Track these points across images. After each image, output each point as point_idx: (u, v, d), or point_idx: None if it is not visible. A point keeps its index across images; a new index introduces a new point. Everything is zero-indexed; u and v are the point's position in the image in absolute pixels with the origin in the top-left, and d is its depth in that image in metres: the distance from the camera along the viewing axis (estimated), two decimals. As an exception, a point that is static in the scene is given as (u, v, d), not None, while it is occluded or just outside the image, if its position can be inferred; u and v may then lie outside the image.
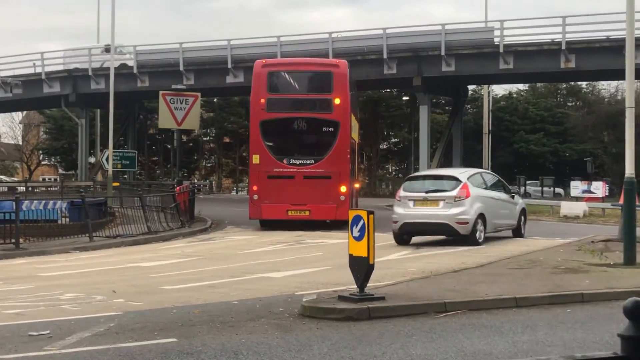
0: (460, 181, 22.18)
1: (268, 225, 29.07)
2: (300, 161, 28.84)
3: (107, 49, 49.37)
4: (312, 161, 28.84)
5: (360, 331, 10.45)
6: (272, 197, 28.16)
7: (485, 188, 23.36)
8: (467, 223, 21.49)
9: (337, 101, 28.69)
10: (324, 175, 28.10)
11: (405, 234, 22.38)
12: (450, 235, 22.14)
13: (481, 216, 21.97)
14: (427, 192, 22.50)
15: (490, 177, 25.24)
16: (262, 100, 29.05)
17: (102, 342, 9.63)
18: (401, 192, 22.89)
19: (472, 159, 63.69)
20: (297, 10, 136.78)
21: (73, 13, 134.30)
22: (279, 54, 51.71)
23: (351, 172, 29.77)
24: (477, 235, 21.78)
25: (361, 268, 11.86)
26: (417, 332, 10.36)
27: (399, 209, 22.29)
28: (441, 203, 21.87)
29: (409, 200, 22.28)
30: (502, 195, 24.17)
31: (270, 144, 29.30)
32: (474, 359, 8.89)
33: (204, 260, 19.13)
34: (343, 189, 27.93)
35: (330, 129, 29.14)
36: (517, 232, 24.87)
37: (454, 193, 21.87)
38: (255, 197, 28.53)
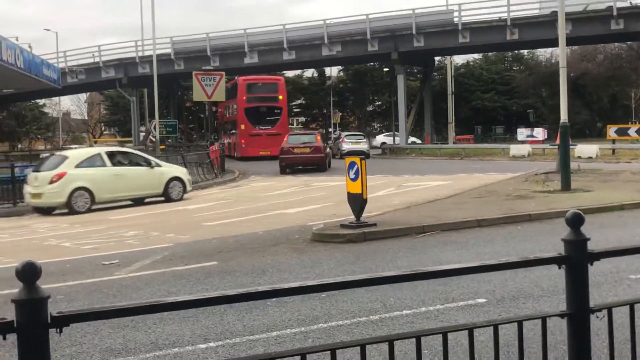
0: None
1: (250, 160, 39.55)
2: (264, 127, 42.34)
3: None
4: (270, 127, 42.38)
5: (359, 250, 10.51)
6: (251, 145, 41.67)
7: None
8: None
9: (280, 97, 43.68)
10: (276, 133, 39.52)
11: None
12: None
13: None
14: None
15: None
16: (244, 97, 43.12)
17: (160, 267, 9.69)
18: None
19: (439, 115, 63.37)
20: (306, 4, 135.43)
21: (126, 14, 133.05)
22: (285, 39, 51.19)
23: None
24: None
25: (357, 202, 11.90)
26: (402, 249, 10.42)
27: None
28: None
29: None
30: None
31: (249, 118, 42.73)
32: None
33: (234, 202, 19.17)
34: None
35: (277, 111, 43.32)
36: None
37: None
38: (243, 145, 42.29)
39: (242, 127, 42.44)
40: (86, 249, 11.87)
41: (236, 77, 45.64)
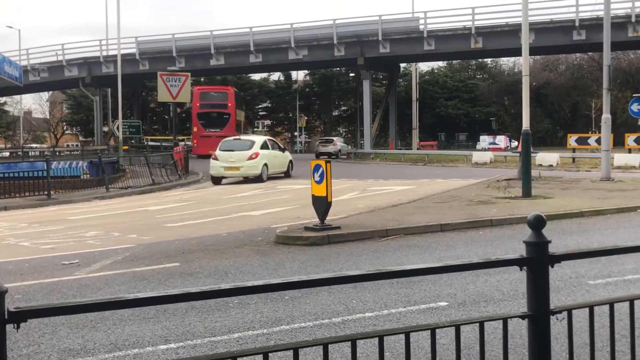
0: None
1: (203, 158, 39.83)
2: (214, 130, 46.30)
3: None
4: (219, 129, 45.91)
5: (322, 253, 10.50)
6: (203, 145, 44.27)
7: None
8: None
9: (229, 104, 48.82)
10: (224, 135, 38.83)
11: None
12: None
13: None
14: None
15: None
16: (197, 104, 48.57)
17: (120, 268, 9.56)
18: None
19: (403, 121, 63.80)
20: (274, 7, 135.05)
21: (93, 14, 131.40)
22: (252, 42, 51.07)
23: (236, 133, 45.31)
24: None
25: (321, 205, 11.89)
26: (365, 252, 10.44)
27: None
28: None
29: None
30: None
31: (202, 122, 48.21)
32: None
33: (197, 204, 19.02)
34: None
35: (226, 117, 48.24)
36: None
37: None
38: (195, 145, 46.74)
39: (195, 129, 49.16)
40: (45, 248, 11.65)
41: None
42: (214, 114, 47.95)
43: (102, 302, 2.39)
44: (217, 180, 26.30)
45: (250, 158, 25.59)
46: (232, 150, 26.08)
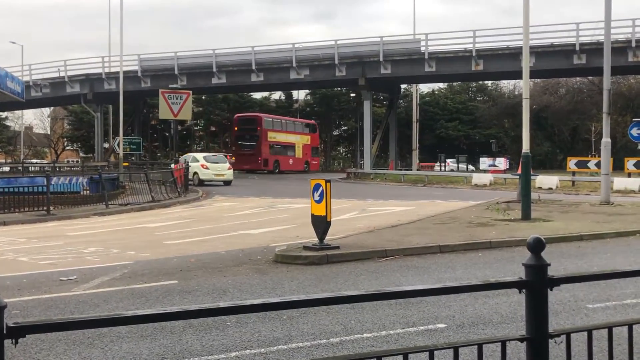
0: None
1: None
2: (246, 149, 54.56)
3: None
4: (251, 149, 54.50)
5: (321, 272, 10.48)
6: (239, 162, 52.43)
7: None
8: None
9: (259, 127, 55.04)
10: (255, 153, 53.96)
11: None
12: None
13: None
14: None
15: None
16: (236, 128, 57.19)
17: (118, 284, 9.54)
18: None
19: (404, 142, 63.93)
20: (280, 27, 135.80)
21: (97, 30, 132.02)
22: (253, 61, 51.32)
23: (270, 152, 55.36)
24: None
25: (321, 224, 11.89)
26: (364, 272, 10.42)
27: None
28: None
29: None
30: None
31: (239, 142, 56.04)
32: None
33: (197, 221, 19.01)
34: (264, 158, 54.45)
35: (256, 137, 54.66)
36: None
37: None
38: (233, 162, 47.70)
39: (233, 148, 57.63)
40: (44, 264, 11.63)
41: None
42: (247, 136, 55.01)
43: (101, 319, 2.39)
44: (202, 182, 36.37)
45: (229, 168, 38.24)
46: (217, 163, 38.01)
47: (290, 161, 57.42)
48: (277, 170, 54.32)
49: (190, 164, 35.74)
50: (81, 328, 2.44)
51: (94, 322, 2.39)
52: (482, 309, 7.69)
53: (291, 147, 57.91)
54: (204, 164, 37.08)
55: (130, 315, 2.47)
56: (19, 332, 2.24)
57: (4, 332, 2.21)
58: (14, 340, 2.23)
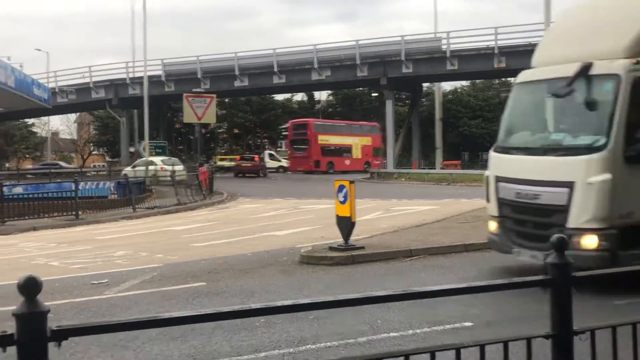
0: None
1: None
2: (299, 152, 57.77)
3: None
4: (303, 152, 57.07)
5: (347, 273, 10.55)
6: (294, 164, 58.42)
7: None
8: None
9: (309, 132, 57.53)
10: (307, 156, 56.89)
11: None
12: None
13: None
14: None
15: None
16: (290, 133, 61.14)
17: (149, 287, 9.69)
18: None
19: (427, 141, 63.74)
20: (301, 28, 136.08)
21: (119, 36, 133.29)
22: (275, 63, 51.51)
23: (321, 153, 57.36)
24: None
25: (345, 225, 11.96)
26: (390, 272, 10.48)
27: None
28: None
29: None
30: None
31: (293, 147, 59.43)
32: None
33: (222, 224, 19.18)
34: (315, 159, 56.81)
35: (307, 141, 57.24)
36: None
37: None
38: (289, 164, 59.67)
39: (289, 152, 61.48)
40: (74, 268, 11.84)
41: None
42: (300, 140, 58.17)
43: (140, 321, 2.49)
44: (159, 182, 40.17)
45: (183, 170, 40.16)
46: (174, 165, 40.36)
47: (347, 162, 58.47)
48: (331, 171, 54.97)
49: (149, 167, 39.26)
50: (121, 330, 2.54)
51: (134, 324, 2.49)
52: (509, 306, 7.72)
53: (347, 148, 59.14)
54: (163, 166, 40.38)
55: (166, 317, 2.57)
56: (62, 335, 2.33)
57: (48, 335, 2.31)
58: (57, 343, 2.33)
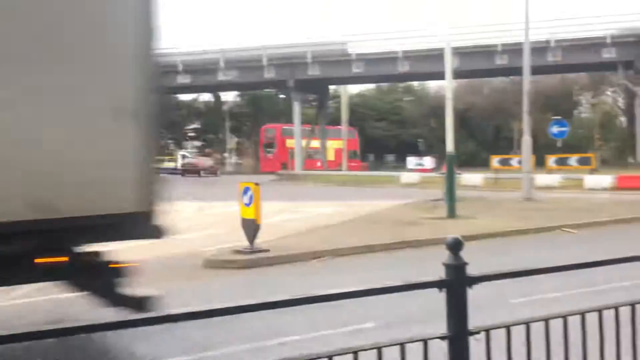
0: None
1: None
2: (269, 154, 62.85)
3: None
4: (271, 154, 61.54)
5: (252, 276, 10.48)
6: (265, 166, 60.23)
7: None
8: None
9: (276, 136, 61.51)
10: (276, 158, 59.64)
11: None
12: None
13: None
14: None
15: None
16: (263, 138, 65.37)
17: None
18: None
19: (334, 143, 64.36)
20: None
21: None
22: (180, 62, 50.75)
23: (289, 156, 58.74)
24: None
25: (251, 228, 11.89)
26: (295, 275, 10.48)
27: None
28: None
29: None
30: None
31: (265, 149, 63.85)
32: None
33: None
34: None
35: (274, 144, 62.32)
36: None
37: None
38: (262, 165, 61.97)
39: (262, 154, 65.47)
40: None
41: None
42: (270, 144, 63.81)
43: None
44: None
45: None
46: None
47: (318, 164, 58.46)
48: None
49: None
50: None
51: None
52: (410, 306, 7.84)
53: (316, 151, 60.46)
54: None
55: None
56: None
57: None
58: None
